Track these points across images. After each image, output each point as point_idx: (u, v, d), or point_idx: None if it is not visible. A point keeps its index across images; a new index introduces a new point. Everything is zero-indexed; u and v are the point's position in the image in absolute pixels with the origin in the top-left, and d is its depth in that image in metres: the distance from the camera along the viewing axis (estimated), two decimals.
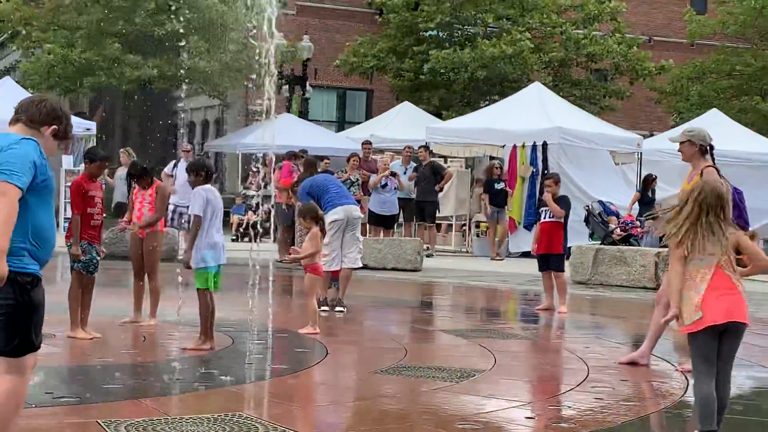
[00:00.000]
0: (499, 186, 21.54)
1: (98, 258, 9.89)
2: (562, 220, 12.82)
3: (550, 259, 12.93)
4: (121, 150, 21.80)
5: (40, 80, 29.29)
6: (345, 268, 12.14)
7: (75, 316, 9.64)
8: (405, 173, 21.18)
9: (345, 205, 12.10)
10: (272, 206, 18.10)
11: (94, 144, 23.27)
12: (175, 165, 20.66)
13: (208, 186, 9.30)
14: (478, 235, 23.08)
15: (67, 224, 10.87)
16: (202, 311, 9.23)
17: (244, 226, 23.67)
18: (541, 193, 21.00)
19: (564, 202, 12.90)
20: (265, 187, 16.48)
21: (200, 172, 9.37)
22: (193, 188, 9.50)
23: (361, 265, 12.64)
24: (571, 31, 33.68)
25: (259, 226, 11.57)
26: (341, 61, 34.63)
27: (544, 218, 12.86)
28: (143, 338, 9.97)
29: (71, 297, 9.69)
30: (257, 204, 21.50)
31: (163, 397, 7.36)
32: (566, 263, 17.35)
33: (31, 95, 5.27)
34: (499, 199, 21.54)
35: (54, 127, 5.00)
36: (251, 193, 22.27)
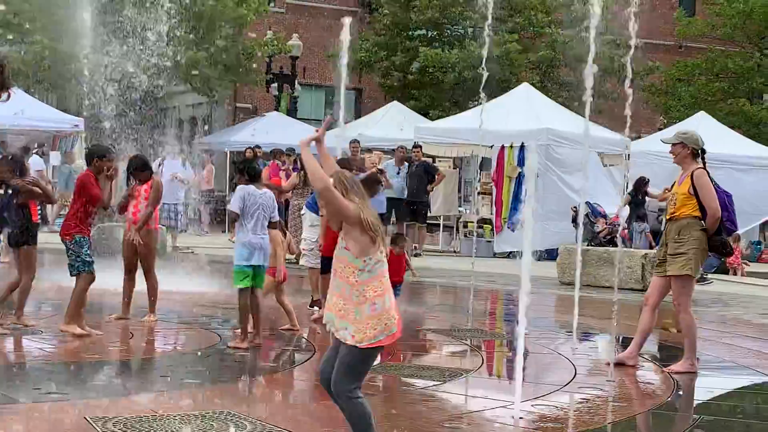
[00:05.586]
0: None
1: None
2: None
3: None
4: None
5: (28, 72, 29.15)
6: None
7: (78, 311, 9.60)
8: (398, 173, 21.11)
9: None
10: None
11: (82, 140, 23.21)
12: (161, 163, 20.58)
13: (249, 186, 9.33)
14: (466, 235, 23.10)
15: (62, 221, 10.74)
16: (239, 309, 9.32)
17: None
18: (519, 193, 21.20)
19: None
20: None
21: (243, 172, 9.49)
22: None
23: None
24: (558, 32, 33.74)
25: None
26: (334, 52, 34.70)
27: None
28: (131, 335, 9.95)
29: (79, 297, 9.61)
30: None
31: (151, 393, 7.35)
32: (554, 264, 17.45)
33: None
34: None
35: None
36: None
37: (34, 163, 22.51)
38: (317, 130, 5.74)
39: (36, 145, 24.12)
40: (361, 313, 5.27)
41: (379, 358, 9.51)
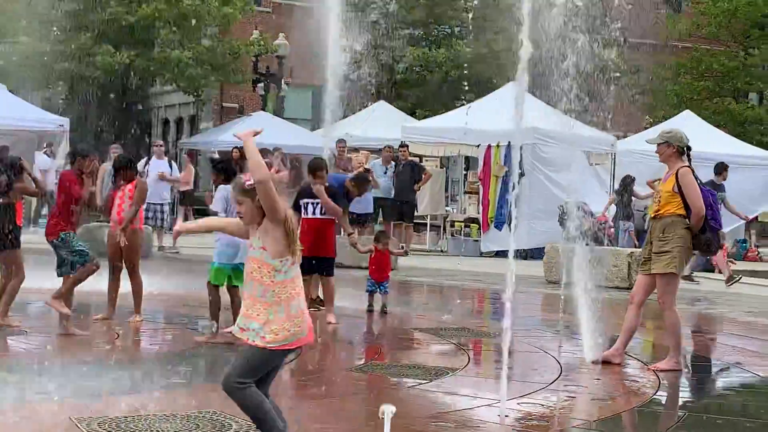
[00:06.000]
0: None
1: None
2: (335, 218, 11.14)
3: (321, 262, 11.01)
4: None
5: (12, 71, 29.09)
6: None
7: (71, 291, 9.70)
8: (385, 173, 21.12)
9: None
10: None
11: (68, 140, 23.12)
12: (147, 162, 20.51)
13: (229, 186, 9.35)
14: (453, 235, 23.11)
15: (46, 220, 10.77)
16: (212, 303, 9.43)
17: None
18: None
19: (341, 200, 11.12)
20: None
21: (221, 172, 9.52)
22: (215, 187, 9.72)
23: None
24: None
25: None
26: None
27: (312, 214, 10.98)
28: (116, 335, 9.92)
29: (77, 279, 9.68)
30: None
31: (136, 393, 7.33)
32: (540, 263, 17.47)
33: None
34: None
35: None
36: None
37: (41, 162, 22.44)
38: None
39: (45, 144, 24.01)
40: (274, 314, 5.19)
41: (364, 357, 9.54)
